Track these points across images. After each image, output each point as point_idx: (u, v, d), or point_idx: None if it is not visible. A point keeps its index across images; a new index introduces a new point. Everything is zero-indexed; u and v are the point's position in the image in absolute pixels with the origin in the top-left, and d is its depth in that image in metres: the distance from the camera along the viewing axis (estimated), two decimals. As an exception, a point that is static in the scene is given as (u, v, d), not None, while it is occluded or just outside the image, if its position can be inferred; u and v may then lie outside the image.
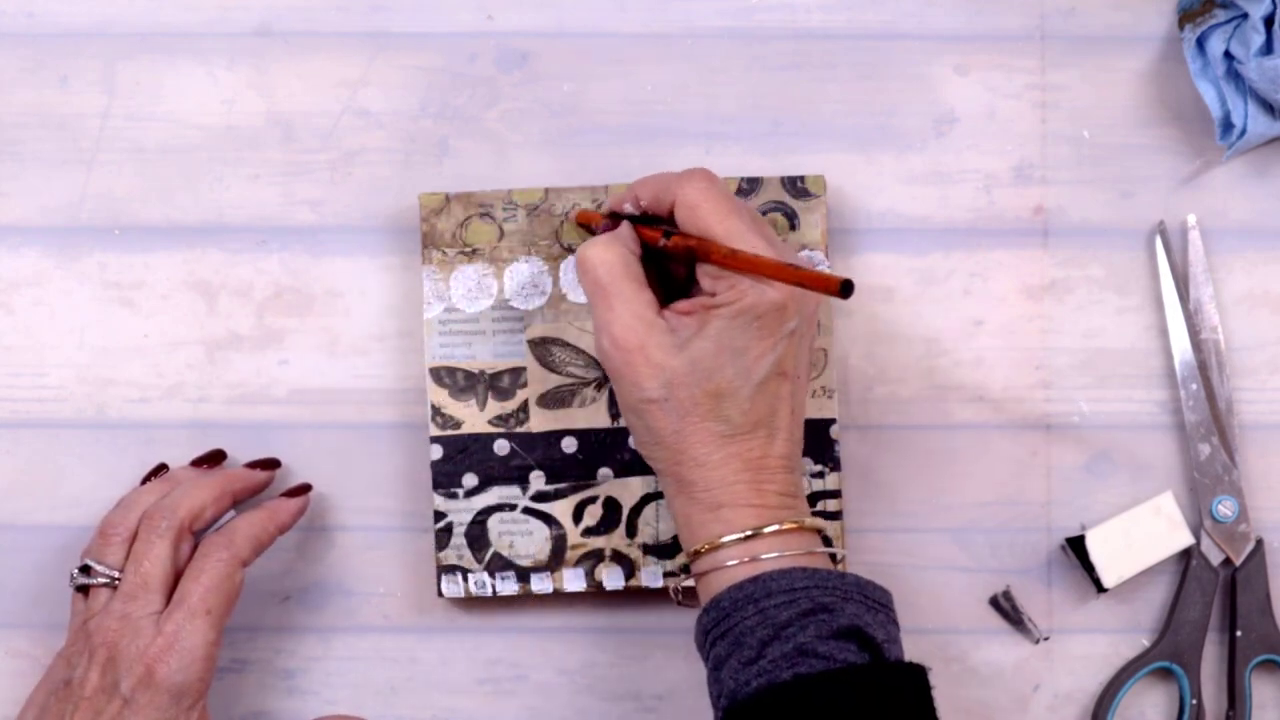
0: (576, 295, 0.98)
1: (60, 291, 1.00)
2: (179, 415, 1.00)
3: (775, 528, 0.87)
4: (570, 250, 0.98)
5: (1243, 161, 1.00)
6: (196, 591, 0.91)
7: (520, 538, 0.98)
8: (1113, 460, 1.00)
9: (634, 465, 0.98)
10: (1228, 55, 0.98)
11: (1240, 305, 1.00)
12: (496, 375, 0.98)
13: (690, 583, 0.91)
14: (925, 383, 0.99)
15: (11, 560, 0.99)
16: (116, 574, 0.92)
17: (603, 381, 0.98)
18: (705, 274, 0.89)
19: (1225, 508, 0.99)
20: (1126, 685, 0.98)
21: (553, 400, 0.98)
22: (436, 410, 0.98)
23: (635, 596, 0.99)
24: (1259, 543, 0.99)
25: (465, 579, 0.98)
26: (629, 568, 0.98)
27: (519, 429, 0.98)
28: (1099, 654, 1.00)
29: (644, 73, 1.00)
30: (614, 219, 0.94)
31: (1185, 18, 0.99)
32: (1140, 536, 0.98)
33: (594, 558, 0.98)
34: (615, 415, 0.98)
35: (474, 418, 0.98)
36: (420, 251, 0.98)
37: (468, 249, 0.98)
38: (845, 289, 0.83)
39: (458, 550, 0.98)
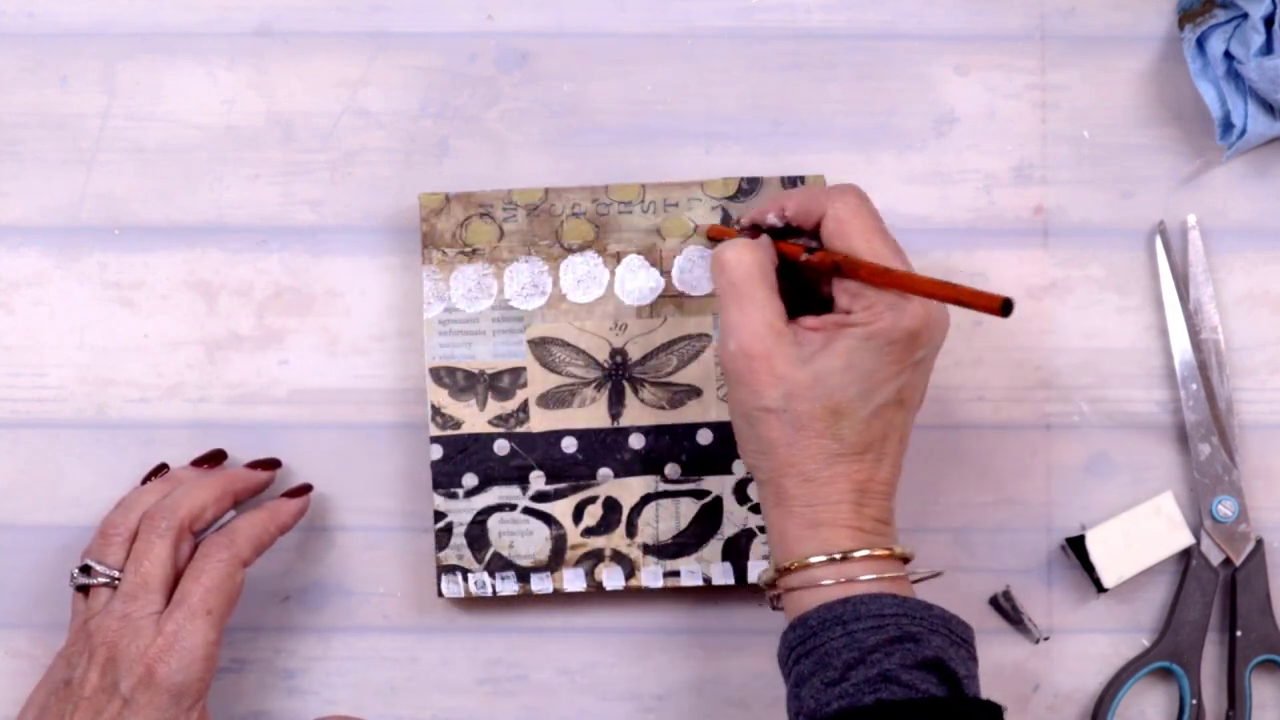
0: (576, 295, 0.98)
1: (60, 291, 1.00)
2: (179, 415, 1.00)
3: (867, 552, 0.87)
4: (570, 250, 0.98)
5: (1243, 161, 1.00)
6: (197, 592, 0.91)
7: (520, 538, 0.98)
8: (1113, 460, 1.00)
9: (634, 465, 0.98)
10: (1228, 55, 0.98)
11: (1240, 305, 1.00)
12: (496, 375, 0.98)
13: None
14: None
15: (11, 560, 0.99)
16: (117, 574, 0.92)
17: (602, 382, 0.98)
18: (843, 291, 0.89)
19: (1225, 508, 0.99)
20: (1126, 685, 0.99)
21: (553, 400, 0.98)
22: (436, 410, 0.98)
23: (635, 596, 0.99)
24: (1259, 543, 0.99)
25: (465, 579, 0.98)
26: (629, 568, 0.98)
27: (519, 429, 0.98)
28: (1099, 654, 1.00)
29: (644, 73, 1.00)
30: (754, 231, 0.93)
31: (1185, 18, 0.99)
32: (1140, 536, 0.98)
33: (594, 558, 0.98)
34: (615, 415, 0.98)
35: (474, 418, 0.98)
36: (420, 251, 0.98)
37: (468, 249, 0.98)
38: (1006, 308, 0.81)
39: (458, 550, 0.98)
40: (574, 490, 0.98)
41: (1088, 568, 0.97)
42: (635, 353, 0.98)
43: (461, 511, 0.98)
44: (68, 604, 0.94)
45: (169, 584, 0.92)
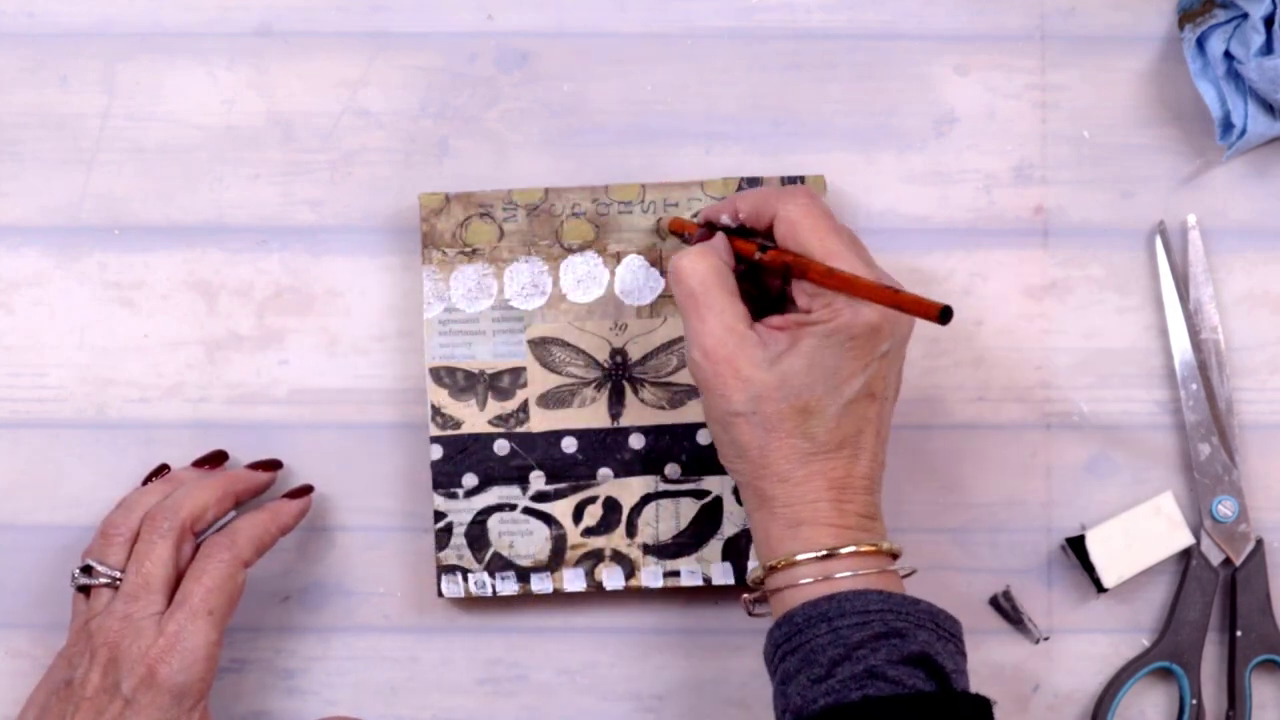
0: (576, 295, 0.98)
1: (60, 291, 1.00)
2: (179, 415, 1.00)
3: (852, 549, 0.87)
4: (570, 250, 0.98)
5: (1243, 161, 1.00)
6: (198, 592, 0.91)
7: (520, 538, 0.98)
8: (1113, 460, 1.00)
9: (634, 465, 0.98)
10: (1228, 55, 0.98)
11: (1240, 305, 1.00)
12: (496, 375, 0.98)
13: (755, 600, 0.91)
14: (925, 382, 0.99)
15: (12, 560, 0.99)
16: (118, 574, 0.92)
17: (602, 382, 0.98)
18: (801, 291, 0.89)
19: (1225, 508, 0.99)
20: (1126, 685, 0.99)
21: (553, 400, 0.98)
22: (436, 410, 0.98)
23: (635, 596, 0.99)
24: (1259, 543, 0.99)
25: (465, 579, 0.98)
26: (629, 568, 0.98)
27: (519, 429, 0.98)
28: (1099, 654, 1.00)
29: (644, 73, 1.00)
30: (709, 229, 0.94)
31: (1185, 18, 0.99)
32: (1140, 536, 0.98)
33: (594, 558, 0.98)
34: (615, 415, 0.98)
35: (474, 418, 0.98)
36: (420, 251, 0.98)
37: (468, 249, 0.98)
38: (944, 315, 0.82)
39: (458, 550, 0.98)
40: (574, 490, 0.98)
41: (1088, 568, 0.97)
42: (635, 353, 0.98)
43: (461, 511, 0.98)
44: (68, 604, 0.94)
45: (170, 584, 0.92)
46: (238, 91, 1.00)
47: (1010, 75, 1.00)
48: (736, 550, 0.98)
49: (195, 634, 0.90)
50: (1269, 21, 0.96)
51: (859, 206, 1.00)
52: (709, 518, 0.98)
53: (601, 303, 0.98)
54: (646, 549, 0.98)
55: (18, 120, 1.00)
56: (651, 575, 0.98)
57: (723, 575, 0.98)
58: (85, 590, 0.93)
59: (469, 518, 0.98)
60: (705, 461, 0.98)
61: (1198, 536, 0.99)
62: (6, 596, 0.99)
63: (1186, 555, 0.99)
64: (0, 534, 0.99)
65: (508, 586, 0.98)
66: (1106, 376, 1.00)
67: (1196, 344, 0.99)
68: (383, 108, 1.00)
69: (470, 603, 0.99)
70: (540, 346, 0.98)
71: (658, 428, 0.98)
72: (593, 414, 0.98)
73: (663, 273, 0.98)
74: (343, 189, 1.00)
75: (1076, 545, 0.98)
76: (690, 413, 0.98)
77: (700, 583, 0.98)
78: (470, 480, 0.98)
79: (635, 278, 0.98)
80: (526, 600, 0.99)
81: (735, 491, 0.98)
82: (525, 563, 0.98)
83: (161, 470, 0.98)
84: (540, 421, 0.98)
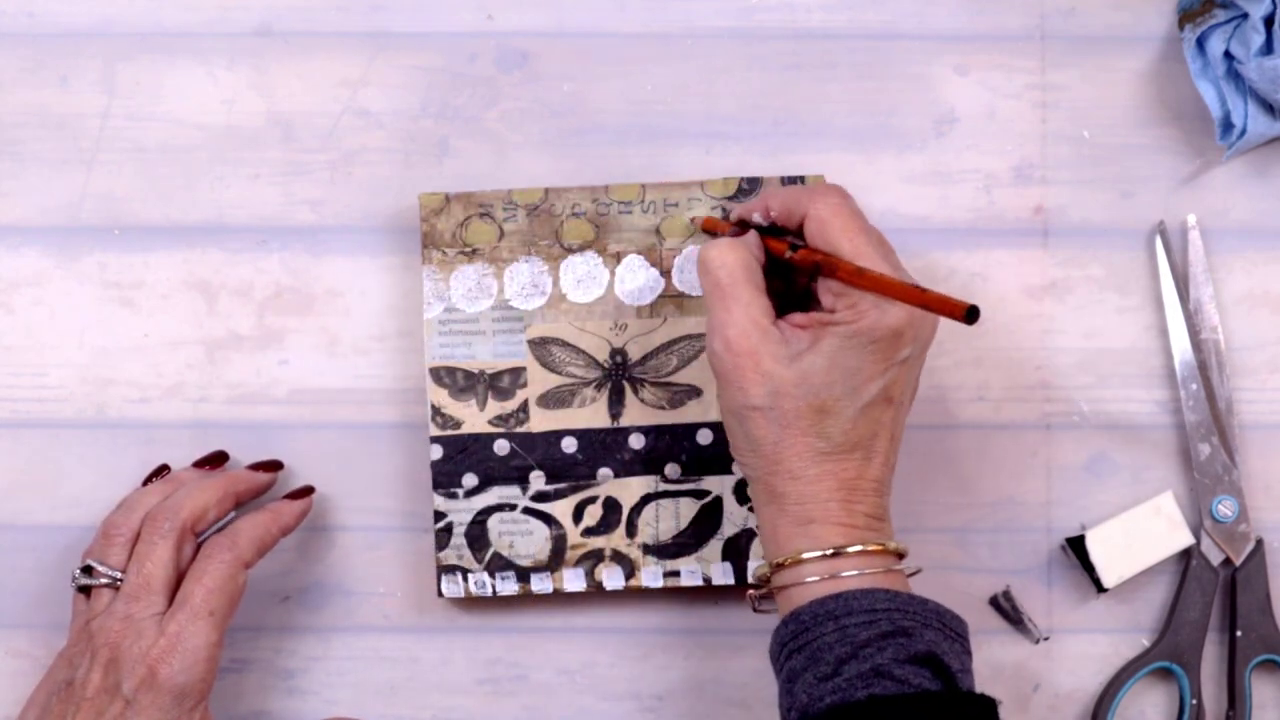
0: (576, 295, 0.98)
1: (60, 291, 1.00)
2: (179, 415, 1.00)
3: (859, 548, 0.87)
4: (570, 250, 0.98)
5: (1243, 161, 1.00)
6: (199, 593, 0.91)
7: (520, 538, 0.98)
8: (1113, 460, 1.00)
9: (634, 465, 0.98)
10: (1228, 55, 0.98)
11: (1240, 305, 1.00)
12: (496, 375, 0.98)
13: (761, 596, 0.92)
14: (925, 383, 0.99)
15: (12, 560, 0.99)
16: (119, 575, 0.92)
17: (602, 382, 0.98)
18: (827, 290, 0.89)
19: (1225, 508, 0.99)
20: (1126, 685, 0.99)
21: (553, 400, 0.98)
22: (436, 410, 0.98)
23: (635, 596, 0.99)
24: (1259, 543, 0.99)
25: (465, 579, 0.98)
26: (629, 568, 0.98)
27: (519, 429, 0.98)
28: (1099, 654, 1.00)
29: (644, 73, 1.00)
30: (741, 227, 0.94)
31: (1185, 18, 0.99)
32: (1140, 536, 0.98)
33: (594, 558, 0.98)
34: (615, 415, 0.98)
35: (474, 418, 0.98)
36: (420, 251, 0.98)
37: (468, 249, 0.98)
38: (971, 315, 0.83)
39: (458, 550, 0.98)
40: (574, 490, 0.98)
41: (1088, 568, 0.97)
42: (635, 353, 0.98)
43: (461, 511, 0.98)
44: (68, 604, 0.94)
45: (171, 585, 0.92)
46: (238, 91, 1.00)
47: (1010, 75, 1.00)
48: (736, 550, 0.98)
49: (196, 635, 0.90)
50: (1269, 21, 0.96)
51: (859, 206, 0.99)
52: (709, 518, 0.98)
53: (601, 303, 0.98)
54: (646, 549, 0.98)
55: (18, 120, 1.00)
56: (651, 575, 0.98)
57: (723, 575, 0.98)
58: (86, 590, 0.93)
59: (469, 518, 0.98)
60: (705, 461, 0.98)
61: (1198, 536, 0.99)
62: (6, 596, 0.99)
63: (1186, 555, 0.99)
64: (0, 534, 0.99)
65: (508, 586, 0.98)
66: (1106, 376, 1.00)
67: (1196, 344, 0.99)
68: (383, 108, 1.00)
69: (470, 603, 0.99)
70: (540, 346, 0.98)
71: (658, 428, 0.98)
72: (593, 414, 0.98)
73: (663, 273, 0.98)
74: (343, 189, 1.00)
75: (1076, 545, 0.98)
76: (690, 413, 0.98)
77: (700, 583, 0.98)
78: (470, 480, 0.98)
79: (635, 278, 0.98)
80: (526, 600, 0.99)
81: (735, 491, 0.98)
82: (525, 563, 0.98)
83: (162, 471, 0.98)
84: (540, 421, 0.98)
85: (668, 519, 0.98)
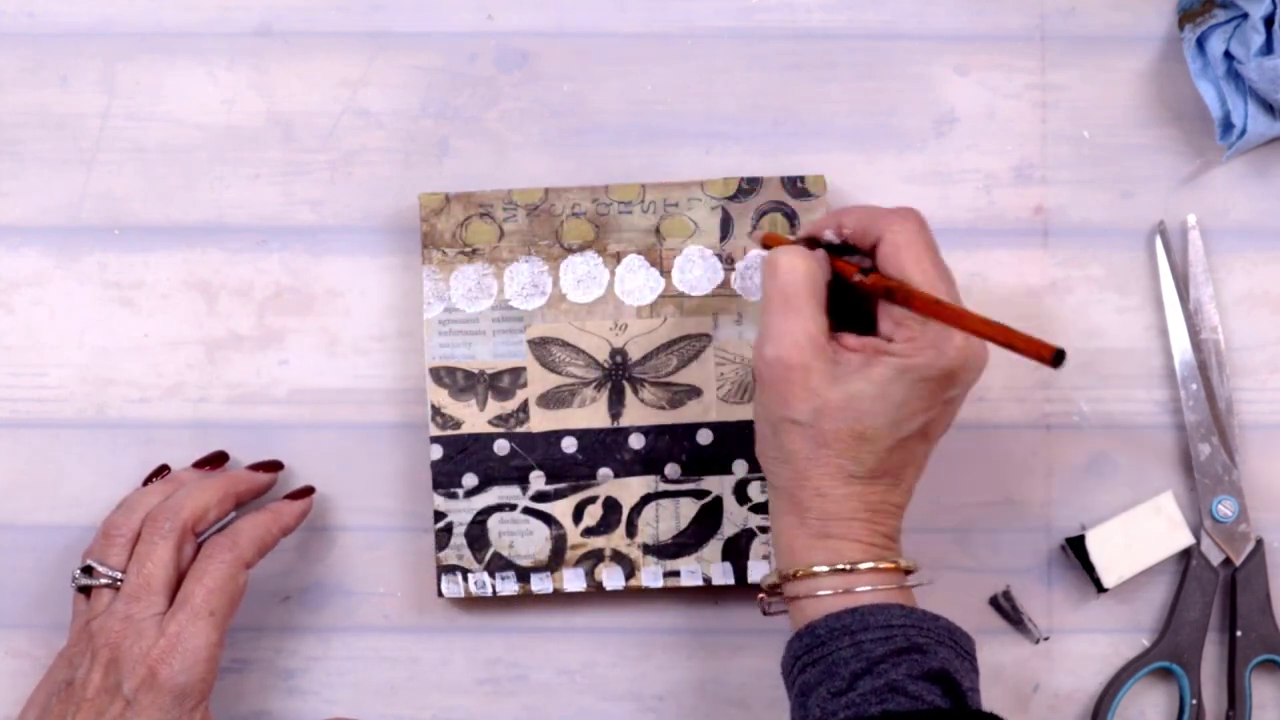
0: (576, 295, 0.98)
1: (60, 291, 1.00)
2: (179, 415, 1.00)
3: (872, 565, 0.87)
4: (570, 250, 0.98)
5: (1243, 161, 1.00)
6: (199, 593, 0.91)
7: (520, 538, 0.98)
8: (1113, 460, 1.00)
9: (634, 465, 0.98)
10: (1228, 55, 0.98)
11: (1240, 305, 1.00)
12: (496, 375, 0.98)
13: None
14: (925, 383, 1.00)
15: (12, 560, 0.99)
16: (119, 575, 0.92)
17: (602, 382, 0.98)
18: (888, 317, 0.88)
19: (1225, 508, 0.99)
20: (1126, 685, 0.99)
21: (553, 400, 0.98)
22: (436, 410, 0.98)
23: (635, 596, 0.99)
24: (1259, 543, 0.99)
25: (465, 579, 0.98)
26: (629, 568, 0.98)
27: (519, 429, 0.98)
28: (1099, 654, 1.00)
29: (644, 73, 1.00)
30: (810, 245, 0.92)
31: (1185, 18, 0.99)
32: (1140, 536, 0.98)
33: (594, 558, 0.98)
34: (615, 415, 0.98)
35: (474, 418, 0.98)
36: (420, 251, 0.98)
37: (468, 249, 0.98)
38: (1057, 358, 0.80)
39: (458, 550, 0.98)
40: (574, 490, 0.98)
41: (1088, 568, 0.97)
42: (635, 353, 0.98)
43: (461, 511, 0.98)
44: (68, 604, 0.94)
45: (171, 585, 0.92)
46: (238, 91, 1.00)
47: (1010, 75, 1.00)
48: (736, 550, 0.98)
49: (196, 635, 0.90)
50: (1269, 21, 0.96)
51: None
52: (709, 518, 0.98)
53: (601, 303, 0.98)
54: (646, 549, 0.98)
55: (18, 120, 1.00)
56: (651, 575, 0.98)
57: (723, 575, 0.98)
58: (86, 591, 0.93)
59: (469, 518, 0.98)
60: (705, 461, 0.98)
61: (1198, 536, 0.99)
62: (6, 596, 0.99)
63: (1186, 555, 0.99)
64: (0, 534, 0.99)
65: (508, 586, 0.98)
66: (1106, 376, 1.00)
67: (1196, 344, 0.99)
68: (383, 108, 1.00)
69: (470, 603, 0.99)
70: (540, 346, 0.98)
71: (658, 428, 0.98)
72: (593, 414, 0.98)
73: (663, 273, 0.98)
74: (343, 189, 1.00)
75: (1076, 545, 0.98)
76: (690, 413, 0.98)
77: (700, 583, 0.98)
78: (470, 480, 0.98)
79: (635, 278, 0.98)
80: (526, 600, 0.99)
81: (735, 491, 0.98)
82: (525, 563, 0.98)
83: (162, 471, 0.98)
84: (540, 421, 0.98)
85: (668, 519, 0.98)
